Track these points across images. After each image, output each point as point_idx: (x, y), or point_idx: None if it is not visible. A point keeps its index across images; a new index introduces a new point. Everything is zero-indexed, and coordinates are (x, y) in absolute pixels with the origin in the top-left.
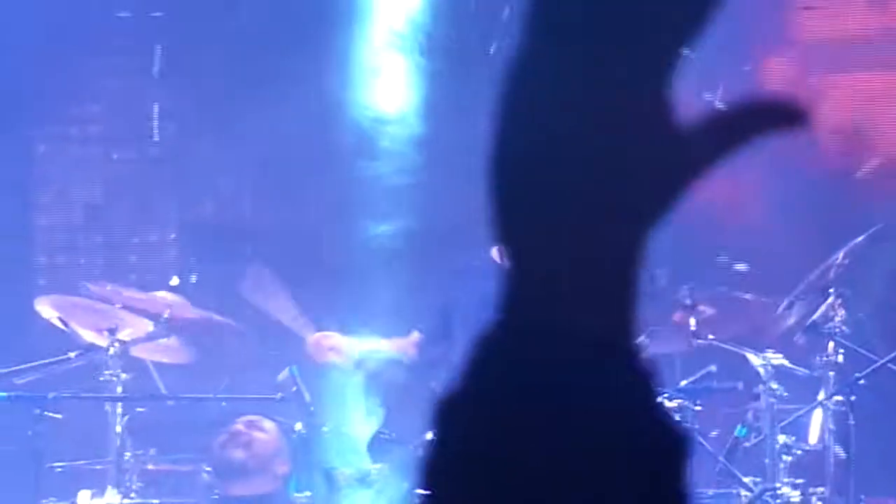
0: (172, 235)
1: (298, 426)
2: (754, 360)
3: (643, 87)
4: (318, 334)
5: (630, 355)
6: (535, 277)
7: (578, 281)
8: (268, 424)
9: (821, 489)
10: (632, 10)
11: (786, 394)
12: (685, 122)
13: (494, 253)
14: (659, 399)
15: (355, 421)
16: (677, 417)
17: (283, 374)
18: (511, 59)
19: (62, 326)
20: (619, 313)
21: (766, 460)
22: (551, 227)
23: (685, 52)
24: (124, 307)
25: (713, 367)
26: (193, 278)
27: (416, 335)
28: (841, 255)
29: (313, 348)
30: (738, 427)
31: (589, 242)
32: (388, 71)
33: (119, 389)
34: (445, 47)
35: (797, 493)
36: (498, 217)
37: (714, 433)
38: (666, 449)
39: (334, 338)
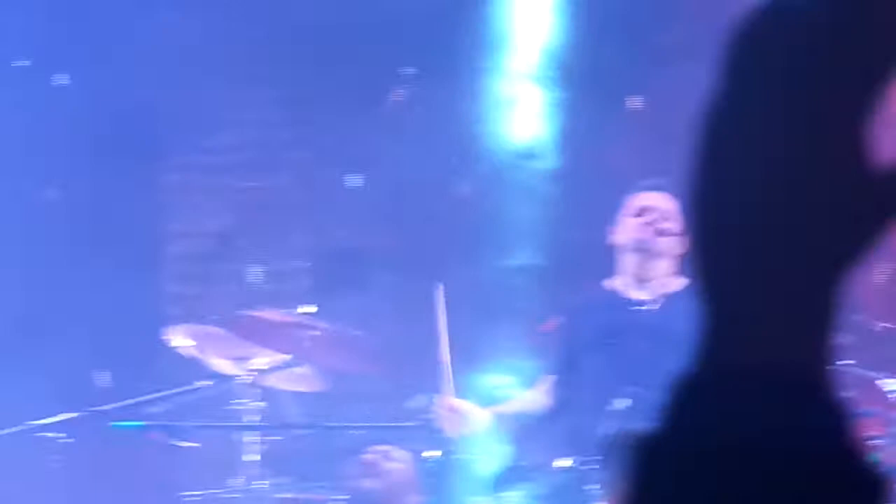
0: (306, 264)
1: (431, 454)
2: (892, 384)
3: (844, 128)
4: (448, 402)
5: (829, 397)
6: (733, 319)
7: (777, 322)
8: (401, 454)
9: None
10: (834, 50)
11: None
12: (883, 162)
13: (614, 283)
14: (859, 440)
15: (488, 449)
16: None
17: (416, 401)
18: (709, 102)
19: (195, 355)
20: (817, 354)
21: None
22: (750, 268)
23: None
24: (257, 336)
25: (850, 393)
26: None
27: (545, 382)
28: None
29: (442, 418)
30: (873, 454)
31: (788, 283)
32: (524, 103)
33: (252, 418)
34: (581, 79)
35: None
36: (696, 258)
37: None
38: (868, 490)
39: (464, 408)
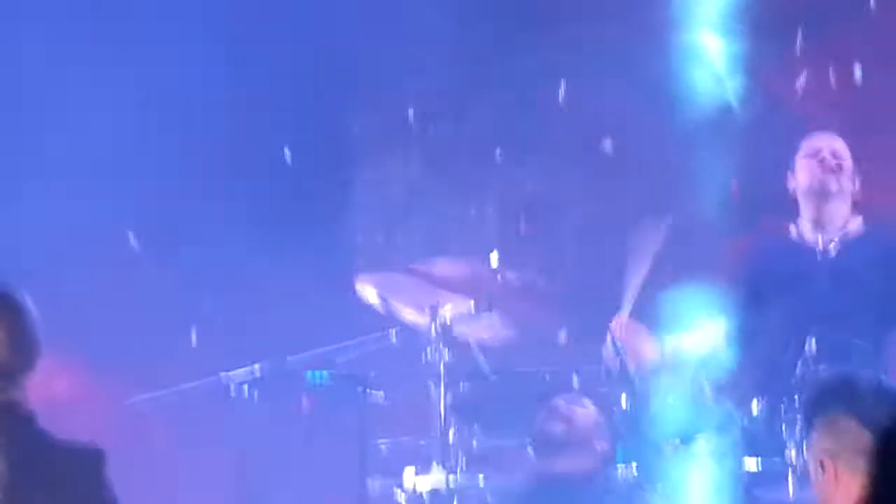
0: (491, 210)
1: (623, 398)
2: None
3: None
4: (623, 323)
5: None
6: None
7: None
8: (587, 401)
9: None
10: None
11: None
12: None
13: (795, 227)
14: None
15: (680, 391)
16: None
17: (607, 347)
18: None
19: (382, 304)
20: None
21: None
22: None
23: None
24: (444, 285)
25: None
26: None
27: (722, 322)
28: None
29: (620, 338)
30: None
31: None
32: (710, 55)
33: (441, 367)
34: (769, 33)
35: None
36: None
37: None
38: None
39: (641, 334)
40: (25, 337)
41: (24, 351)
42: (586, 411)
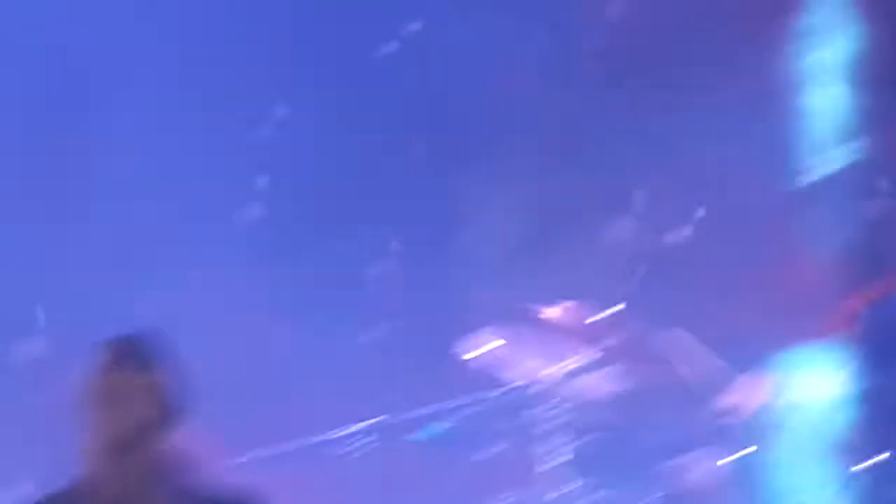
0: (608, 260)
1: (741, 454)
2: None
3: None
4: (743, 381)
5: None
6: None
7: None
8: (710, 455)
9: None
10: None
11: None
12: None
13: None
14: None
15: (795, 447)
16: None
17: (730, 400)
18: None
19: (498, 358)
20: None
21: None
22: None
23: None
24: (563, 336)
25: None
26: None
27: (843, 377)
28: None
29: (739, 397)
30: None
31: None
32: (822, 103)
33: (559, 420)
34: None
35: None
36: None
37: None
38: None
39: (759, 384)
40: (170, 391)
41: (169, 405)
42: (710, 466)
